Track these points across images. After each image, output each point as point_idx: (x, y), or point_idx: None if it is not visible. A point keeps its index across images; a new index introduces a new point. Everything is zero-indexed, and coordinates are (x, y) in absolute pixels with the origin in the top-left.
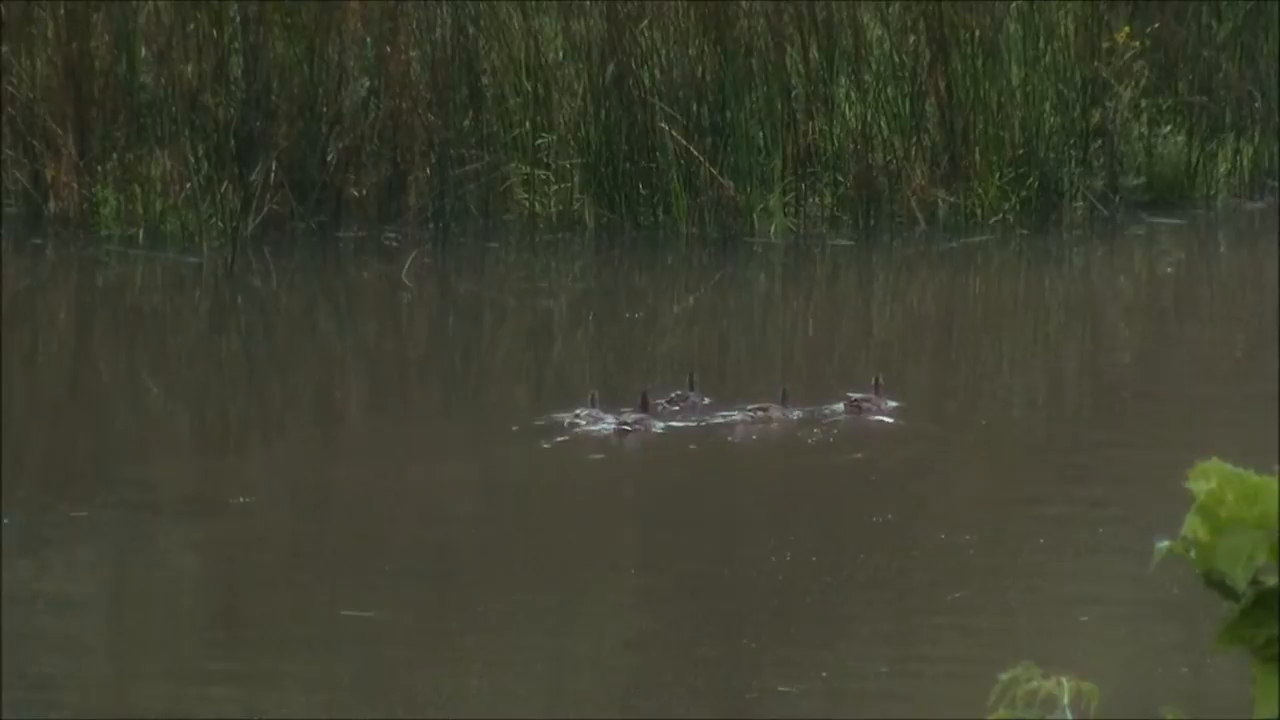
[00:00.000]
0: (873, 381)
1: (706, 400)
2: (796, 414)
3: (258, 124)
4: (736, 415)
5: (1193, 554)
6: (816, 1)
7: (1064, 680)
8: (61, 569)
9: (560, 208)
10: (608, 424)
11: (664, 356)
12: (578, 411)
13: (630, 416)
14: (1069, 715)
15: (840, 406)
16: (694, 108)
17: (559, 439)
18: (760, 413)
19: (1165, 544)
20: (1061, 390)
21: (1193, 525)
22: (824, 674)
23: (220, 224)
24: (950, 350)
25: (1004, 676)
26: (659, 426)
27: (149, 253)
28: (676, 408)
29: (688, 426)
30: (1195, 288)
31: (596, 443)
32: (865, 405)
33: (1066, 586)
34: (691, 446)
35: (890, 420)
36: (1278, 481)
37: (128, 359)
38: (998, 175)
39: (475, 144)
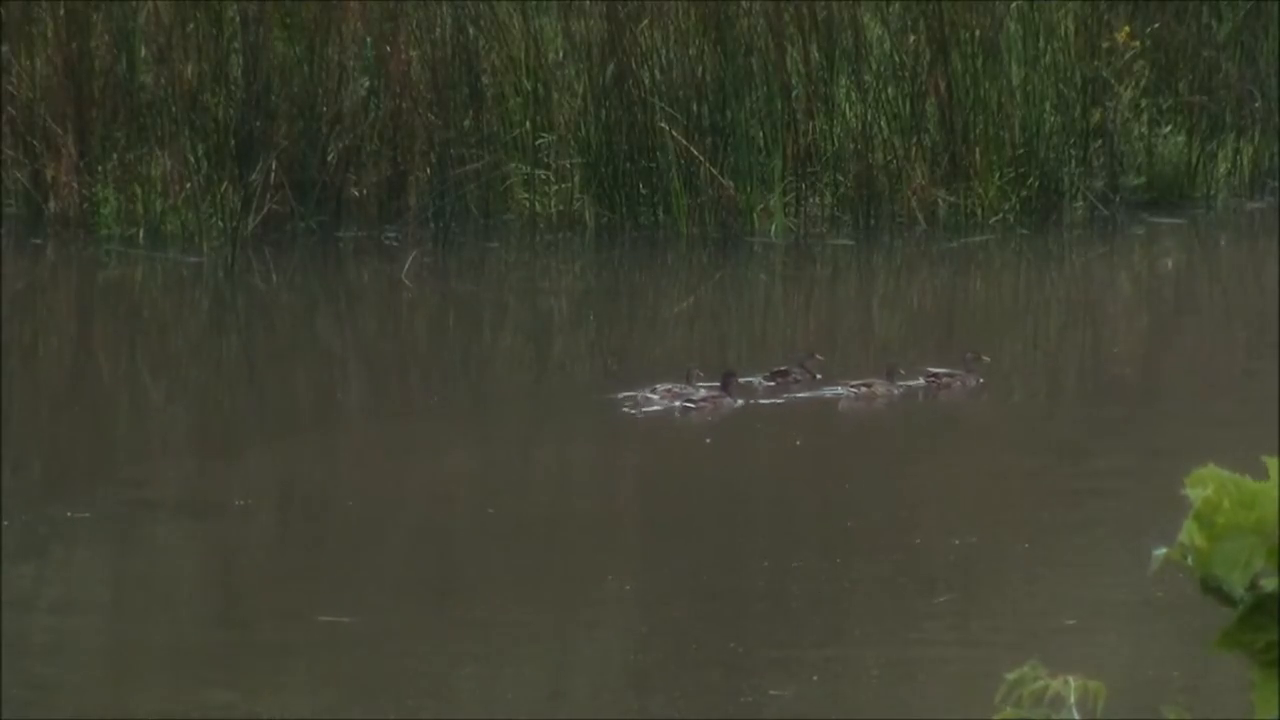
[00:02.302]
0: (963, 357)
1: (819, 377)
2: (899, 389)
3: (258, 124)
4: (839, 390)
5: (1190, 560)
6: (816, 1)
7: (1070, 679)
8: (61, 570)
9: (560, 208)
10: (675, 402)
11: (664, 354)
12: (655, 387)
13: (698, 395)
14: (1075, 715)
15: (920, 381)
16: (694, 108)
17: (603, 419)
18: (864, 388)
19: (1162, 551)
20: (1061, 390)
21: (1190, 531)
22: (815, 677)
23: (220, 224)
24: (949, 351)
25: (1010, 676)
26: (735, 405)
27: (149, 253)
28: (773, 383)
29: (758, 406)
30: (1195, 288)
31: (633, 426)
32: (947, 380)
33: (1065, 588)
34: (728, 431)
35: (969, 399)
36: (1277, 478)
37: (128, 359)
38: (998, 175)
39: (475, 144)
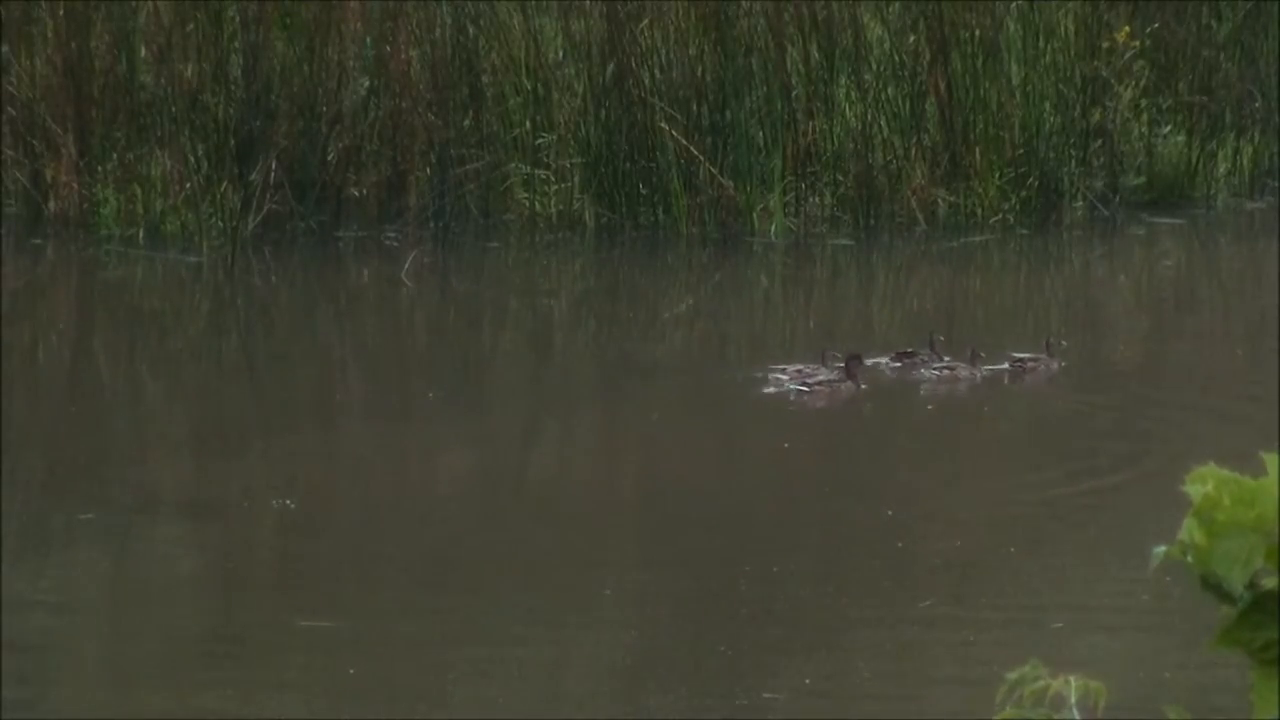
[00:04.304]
0: (1044, 342)
1: (946, 358)
2: (982, 373)
3: (258, 124)
4: (923, 373)
5: (1190, 558)
6: (816, 1)
7: (1071, 679)
8: (61, 570)
9: (560, 208)
10: (794, 383)
11: (664, 353)
12: (784, 368)
13: (814, 379)
14: (1076, 715)
15: (1005, 366)
16: (694, 108)
17: (602, 420)
18: (947, 371)
19: (1162, 549)
20: (1060, 390)
21: (1189, 529)
22: (807, 680)
23: (220, 224)
24: (948, 350)
25: (1011, 675)
26: (857, 389)
27: (149, 253)
28: (899, 364)
29: (868, 389)
30: (1195, 288)
31: (632, 427)
32: (1031, 365)
33: (1062, 588)
34: (731, 429)
35: (1053, 382)
36: (1277, 475)
37: (128, 359)
38: (998, 175)
39: (475, 144)
